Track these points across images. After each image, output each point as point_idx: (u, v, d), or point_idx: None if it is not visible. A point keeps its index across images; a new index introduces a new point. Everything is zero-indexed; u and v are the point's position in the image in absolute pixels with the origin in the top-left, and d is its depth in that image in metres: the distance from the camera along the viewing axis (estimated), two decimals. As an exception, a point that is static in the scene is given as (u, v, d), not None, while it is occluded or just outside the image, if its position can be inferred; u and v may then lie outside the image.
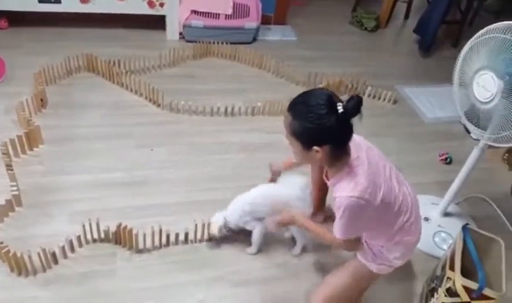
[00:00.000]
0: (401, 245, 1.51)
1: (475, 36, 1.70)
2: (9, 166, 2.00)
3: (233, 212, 1.85)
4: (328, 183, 1.44)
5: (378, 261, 1.55)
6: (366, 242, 1.57)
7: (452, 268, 1.56)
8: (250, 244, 1.88)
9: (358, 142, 1.42)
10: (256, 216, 1.84)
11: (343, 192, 1.34)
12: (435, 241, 2.03)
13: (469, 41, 1.74)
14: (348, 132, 1.31)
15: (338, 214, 1.36)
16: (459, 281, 1.51)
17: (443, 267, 1.66)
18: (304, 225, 1.62)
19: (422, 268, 1.91)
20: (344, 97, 1.27)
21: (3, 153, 2.05)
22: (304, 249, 1.92)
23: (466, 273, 1.53)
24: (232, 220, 1.84)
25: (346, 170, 1.36)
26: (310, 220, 1.67)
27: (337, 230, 1.40)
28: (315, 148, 1.30)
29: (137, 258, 1.80)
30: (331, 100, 1.26)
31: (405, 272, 1.91)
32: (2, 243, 1.66)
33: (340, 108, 1.24)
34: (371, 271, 1.57)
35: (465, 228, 1.68)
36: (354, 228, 1.41)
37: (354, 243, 1.51)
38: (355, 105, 1.24)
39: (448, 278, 1.57)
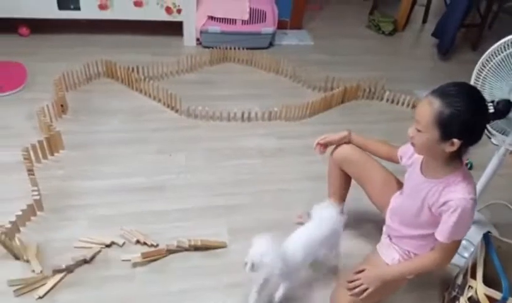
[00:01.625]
0: None
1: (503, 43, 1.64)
2: (30, 171, 2.03)
3: (272, 262, 1.50)
4: (432, 179, 1.43)
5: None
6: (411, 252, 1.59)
7: (474, 277, 1.53)
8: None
9: None
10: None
11: (459, 193, 1.34)
12: (455, 248, 2.00)
13: (494, 51, 1.67)
14: (483, 133, 1.33)
15: (452, 216, 1.35)
16: (481, 290, 1.48)
17: (465, 276, 1.63)
18: (397, 275, 1.55)
19: (442, 276, 1.88)
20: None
21: (25, 158, 2.08)
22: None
23: (488, 281, 1.50)
24: (265, 269, 1.52)
25: (462, 172, 1.37)
26: (392, 266, 1.59)
27: (448, 233, 1.38)
28: (454, 140, 1.29)
29: (155, 263, 1.81)
30: (483, 97, 1.29)
31: (426, 280, 1.88)
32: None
33: (491, 108, 1.26)
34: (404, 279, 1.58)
35: (486, 235, 1.65)
36: (464, 229, 1.39)
37: (454, 251, 1.45)
38: (506, 108, 1.27)
39: (469, 286, 1.54)
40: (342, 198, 1.92)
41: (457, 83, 1.34)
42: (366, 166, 1.80)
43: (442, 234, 1.40)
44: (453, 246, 1.43)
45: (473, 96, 1.31)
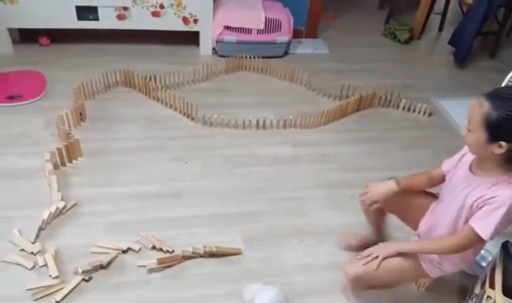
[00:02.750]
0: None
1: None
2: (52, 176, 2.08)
3: None
4: (482, 177, 1.42)
5: (434, 262, 1.55)
6: None
7: (492, 286, 1.51)
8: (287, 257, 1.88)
9: None
10: None
11: (509, 190, 1.33)
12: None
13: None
14: None
15: (498, 211, 1.33)
16: (500, 300, 1.45)
17: (482, 286, 1.60)
18: (415, 249, 1.56)
19: (460, 286, 1.85)
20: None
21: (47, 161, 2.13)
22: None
23: (507, 291, 1.47)
24: None
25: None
26: (411, 242, 1.63)
27: (488, 227, 1.35)
28: (502, 143, 1.30)
29: (171, 269, 1.82)
30: None
31: (443, 289, 1.86)
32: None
33: None
34: (420, 268, 1.56)
35: (505, 245, 1.62)
36: (504, 226, 1.37)
37: (474, 244, 1.44)
38: None
39: (488, 296, 1.52)
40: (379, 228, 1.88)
41: (509, 87, 1.34)
42: (406, 209, 1.74)
43: (484, 228, 1.36)
44: (472, 237, 1.40)
45: None
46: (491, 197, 1.35)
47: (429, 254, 1.55)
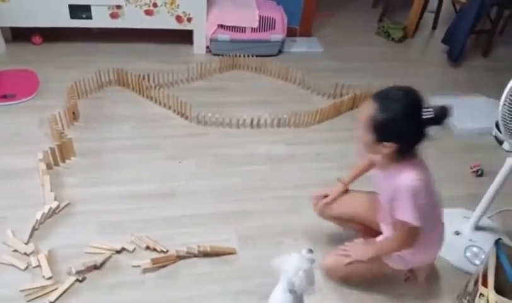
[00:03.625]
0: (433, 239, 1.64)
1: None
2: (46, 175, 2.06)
3: None
4: (381, 172, 1.51)
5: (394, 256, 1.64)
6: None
7: (485, 284, 1.52)
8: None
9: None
10: None
11: (407, 178, 1.39)
12: (466, 256, 1.98)
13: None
14: (421, 138, 1.38)
15: (404, 201, 1.40)
16: (493, 298, 1.47)
17: (475, 283, 1.61)
18: (374, 254, 1.64)
19: (453, 284, 1.86)
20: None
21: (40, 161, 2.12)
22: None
23: (500, 289, 1.48)
24: None
25: (413, 163, 1.43)
26: (371, 247, 1.68)
27: (408, 215, 1.42)
28: (386, 143, 1.37)
29: (165, 269, 1.82)
30: (420, 103, 1.34)
31: (436, 287, 1.87)
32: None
33: (427, 115, 1.31)
34: (382, 263, 1.66)
35: (498, 242, 1.63)
36: (421, 208, 1.42)
37: (418, 234, 1.50)
38: (442, 115, 1.32)
39: (481, 294, 1.53)
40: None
41: (398, 87, 1.38)
42: (349, 208, 1.84)
43: (409, 217, 1.42)
44: (403, 228, 1.48)
45: (408, 102, 1.34)
46: (396, 189, 1.42)
47: (390, 253, 1.64)
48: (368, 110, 1.37)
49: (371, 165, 1.74)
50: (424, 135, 1.38)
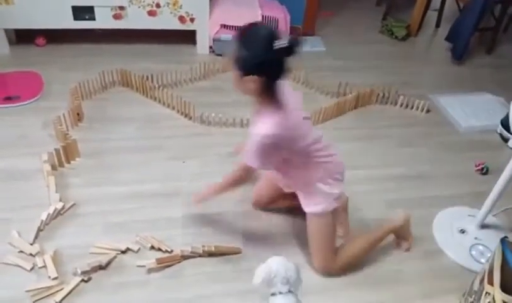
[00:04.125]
0: (321, 168, 1.73)
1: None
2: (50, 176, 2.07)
3: None
4: (255, 119, 1.63)
5: (316, 200, 1.74)
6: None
7: (491, 283, 1.51)
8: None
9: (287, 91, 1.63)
10: None
11: (260, 129, 1.54)
12: (472, 254, 1.98)
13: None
14: (281, 69, 1.51)
15: (252, 145, 1.57)
16: (499, 297, 1.46)
17: (481, 282, 1.61)
18: (220, 189, 1.82)
19: (458, 282, 1.85)
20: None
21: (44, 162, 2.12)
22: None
23: (506, 287, 1.47)
24: None
25: (270, 109, 1.56)
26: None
27: (249, 159, 1.61)
28: (251, 77, 1.49)
29: (170, 269, 1.82)
30: (273, 35, 1.44)
31: (441, 286, 1.86)
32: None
33: (278, 45, 1.42)
34: (321, 215, 1.75)
35: (503, 241, 1.62)
36: (263, 160, 1.60)
37: (252, 172, 1.70)
38: (293, 45, 1.43)
39: (486, 292, 1.52)
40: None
41: (252, 24, 1.53)
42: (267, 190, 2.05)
43: (246, 158, 1.62)
44: (246, 167, 1.65)
45: (263, 35, 1.46)
46: (252, 133, 1.58)
47: (228, 188, 1.81)
48: (233, 48, 1.51)
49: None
50: (282, 68, 1.50)
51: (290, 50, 1.44)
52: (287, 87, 1.65)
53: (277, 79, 1.54)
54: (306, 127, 1.69)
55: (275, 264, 1.46)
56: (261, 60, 1.46)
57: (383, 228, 1.91)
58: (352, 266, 1.87)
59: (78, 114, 2.54)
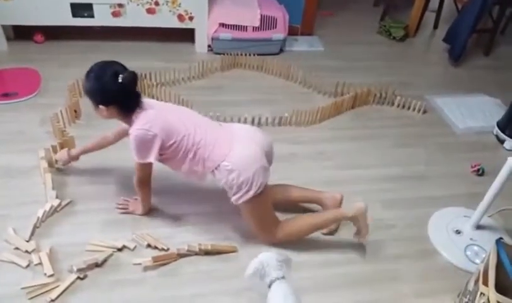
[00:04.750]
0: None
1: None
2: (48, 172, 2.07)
3: None
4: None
5: (232, 191, 1.80)
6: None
7: (486, 283, 1.52)
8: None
9: (155, 105, 1.81)
10: None
11: (132, 130, 1.70)
12: (467, 254, 1.99)
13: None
14: (130, 98, 1.72)
15: (132, 147, 1.72)
16: (494, 297, 1.47)
17: (476, 282, 1.62)
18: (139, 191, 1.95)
19: (453, 282, 1.86)
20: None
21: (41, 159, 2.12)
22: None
23: (501, 288, 1.48)
24: None
25: (140, 117, 1.72)
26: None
27: (135, 155, 1.75)
28: (101, 106, 1.70)
29: (166, 267, 1.82)
30: (115, 71, 1.64)
31: (436, 286, 1.87)
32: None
33: (120, 79, 1.63)
34: (244, 202, 1.80)
35: (498, 242, 1.63)
36: (144, 151, 1.73)
37: (147, 168, 1.84)
38: (132, 79, 1.67)
39: (481, 293, 1.53)
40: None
41: (99, 62, 1.71)
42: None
43: (134, 157, 1.75)
44: (139, 165, 1.80)
45: (99, 71, 1.66)
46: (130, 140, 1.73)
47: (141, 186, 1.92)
48: (83, 81, 1.71)
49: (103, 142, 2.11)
50: (131, 96, 1.71)
51: (132, 83, 1.67)
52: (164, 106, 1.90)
53: (129, 104, 1.72)
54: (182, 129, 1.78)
55: (266, 256, 1.55)
56: (105, 93, 1.67)
57: (333, 212, 1.93)
58: (294, 239, 1.94)
59: (76, 111, 2.53)
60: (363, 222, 1.88)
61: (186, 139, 1.76)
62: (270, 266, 1.53)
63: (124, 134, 1.98)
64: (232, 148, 1.78)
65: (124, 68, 1.69)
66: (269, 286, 1.52)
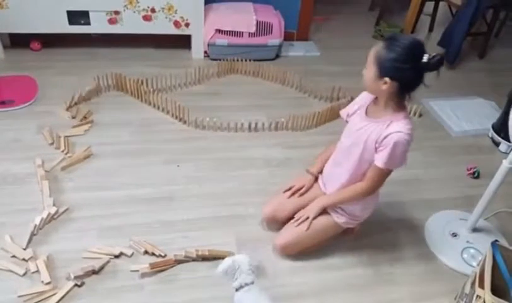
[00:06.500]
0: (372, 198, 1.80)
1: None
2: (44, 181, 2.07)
3: None
4: (376, 119, 1.63)
5: (346, 215, 1.81)
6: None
7: (482, 286, 1.53)
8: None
9: None
10: None
11: (398, 128, 1.55)
12: (463, 257, 1.99)
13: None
14: (418, 82, 1.53)
15: (387, 147, 1.56)
16: (490, 300, 1.47)
17: (472, 285, 1.62)
18: (335, 201, 1.81)
19: (450, 285, 1.87)
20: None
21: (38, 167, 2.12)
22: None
23: (496, 291, 1.49)
24: None
25: (403, 114, 1.59)
26: (330, 195, 1.85)
27: (391, 161, 1.58)
28: (386, 79, 1.51)
29: (163, 273, 1.82)
30: (421, 49, 1.48)
31: (433, 289, 1.88)
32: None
33: (425, 59, 1.46)
34: (336, 224, 1.83)
35: (494, 244, 1.64)
36: (397, 160, 1.60)
37: (383, 181, 1.69)
38: (437, 61, 1.48)
39: (477, 296, 1.54)
40: None
41: (407, 36, 1.57)
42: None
43: (380, 160, 1.60)
44: (382, 174, 1.65)
45: (412, 46, 1.48)
46: (386, 136, 1.57)
47: (349, 202, 1.79)
48: (376, 47, 1.53)
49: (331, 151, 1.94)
50: (420, 80, 1.52)
51: (435, 65, 1.49)
52: None
53: (411, 89, 1.57)
54: None
55: (240, 258, 1.59)
56: (404, 68, 1.49)
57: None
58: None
59: (73, 118, 2.54)
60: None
61: None
62: (242, 269, 1.57)
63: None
64: None
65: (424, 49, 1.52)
66: (236, 290, 1.57)
